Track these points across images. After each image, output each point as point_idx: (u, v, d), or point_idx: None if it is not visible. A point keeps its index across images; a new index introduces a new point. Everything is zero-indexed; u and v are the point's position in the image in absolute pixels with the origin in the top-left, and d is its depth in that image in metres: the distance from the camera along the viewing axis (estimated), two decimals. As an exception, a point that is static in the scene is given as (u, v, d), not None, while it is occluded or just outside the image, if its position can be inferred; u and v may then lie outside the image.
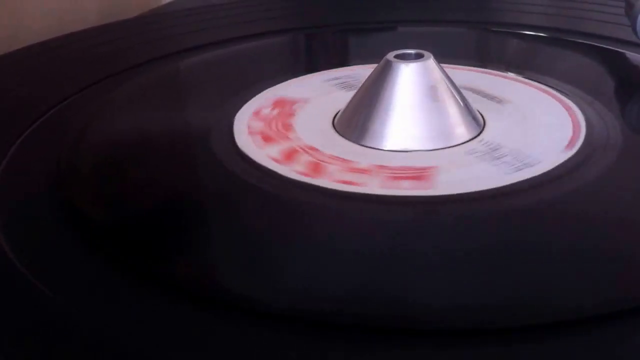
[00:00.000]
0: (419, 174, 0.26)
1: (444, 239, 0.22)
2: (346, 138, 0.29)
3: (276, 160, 0.27)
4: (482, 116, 0.30)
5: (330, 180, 0.26)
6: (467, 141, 0.28)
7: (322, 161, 0.27)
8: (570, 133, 0.29)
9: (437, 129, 0.28)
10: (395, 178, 0.26)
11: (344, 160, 0.27)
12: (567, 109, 0.31)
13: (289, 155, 0.28)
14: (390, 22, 0.47)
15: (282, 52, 0.45)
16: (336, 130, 0.30)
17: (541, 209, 0.24)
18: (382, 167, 0.26)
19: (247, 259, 0.22)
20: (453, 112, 0.29)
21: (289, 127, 0.30)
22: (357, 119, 0.29)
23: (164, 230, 0.23)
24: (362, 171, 0.26)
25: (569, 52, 0.41)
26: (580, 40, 0.41)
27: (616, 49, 0.39)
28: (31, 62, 0.40)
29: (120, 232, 0.24)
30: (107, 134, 0.31)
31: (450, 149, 0.28)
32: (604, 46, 0.40)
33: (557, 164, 0.26)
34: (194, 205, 0.26)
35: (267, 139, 0.29)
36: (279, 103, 0.33)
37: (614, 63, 0.38)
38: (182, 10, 0.53)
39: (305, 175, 0.26)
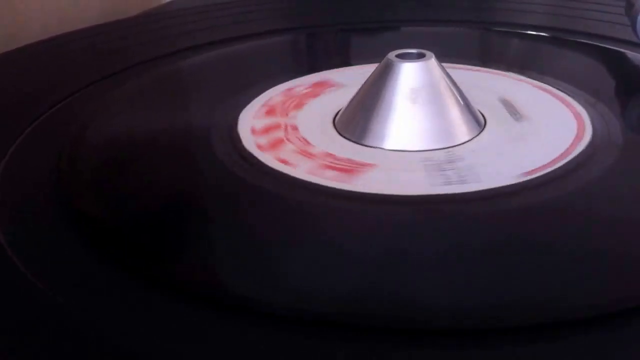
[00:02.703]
0: (350, 168, 0.26)
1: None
2: (346, 137, 0.29)
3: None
4: (483, 116, 0.30)
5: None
6: (467, 141, 0.28)
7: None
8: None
9: (438, 129, 0.28)
10: (326, 167, 0.26)
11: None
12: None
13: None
14: (393, 22, 0.47)
15: (284, 52, 0.45)
16: (336, 129, 0.30)
17: (543, 209, 0.24)
18: (328, 154, 0.27)
19: (247, 259, 0.22)
20: (454, 112, 0.29)
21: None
22: (358, 118, 0.29)
23: (166, 230, 0.23)
24: (310, 155, 0.27)
25: (569, 51, 0.41)
26: (580, 40, 0.41)
27: (616, 49, 0.39)
28: (31, 60, 0.40)
29: (121, 231, 0.24)
30: (108, 134, 0.31)
31: (447, 149, 0.28)
32: (604, 46, 0.39)
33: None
34: (195, 205, 0.25)
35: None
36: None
37: (614, 63, 0.38)
38: (183, 9, 0.53)
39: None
